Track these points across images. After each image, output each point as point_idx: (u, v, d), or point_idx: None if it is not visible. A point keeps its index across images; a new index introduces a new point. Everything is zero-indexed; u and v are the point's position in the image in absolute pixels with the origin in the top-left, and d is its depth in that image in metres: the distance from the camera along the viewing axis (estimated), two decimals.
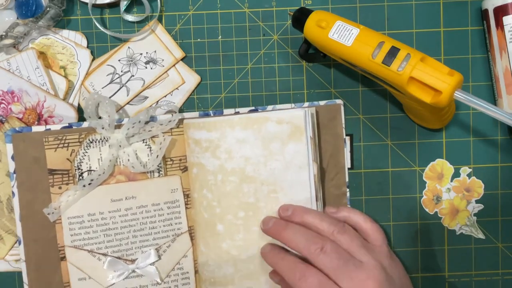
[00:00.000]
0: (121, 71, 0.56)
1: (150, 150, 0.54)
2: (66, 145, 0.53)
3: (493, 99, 0.55)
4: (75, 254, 0.53)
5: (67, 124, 0.53)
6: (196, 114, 0.54)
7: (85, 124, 0.53)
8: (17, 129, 0.52)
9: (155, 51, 0.56)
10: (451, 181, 0.56)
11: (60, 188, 0.53)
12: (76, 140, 0.53)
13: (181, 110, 0.56)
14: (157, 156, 0.52)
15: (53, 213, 0.52)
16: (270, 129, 0.52)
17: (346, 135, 0.56)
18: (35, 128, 0.52)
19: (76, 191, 0.52)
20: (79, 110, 0.55)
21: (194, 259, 0.55)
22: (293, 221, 0.49)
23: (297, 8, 0.53)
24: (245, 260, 0.53)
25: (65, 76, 0.55)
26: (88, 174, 0.53)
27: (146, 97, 0.56)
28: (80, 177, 0.53)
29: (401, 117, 0.56)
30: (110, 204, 0.53)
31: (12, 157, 0.52)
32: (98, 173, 0.52)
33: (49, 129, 0.53)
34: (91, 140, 0.53)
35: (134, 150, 0.53)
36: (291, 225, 0.48)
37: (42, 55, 0.55)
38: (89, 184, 0.52)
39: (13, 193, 0.52)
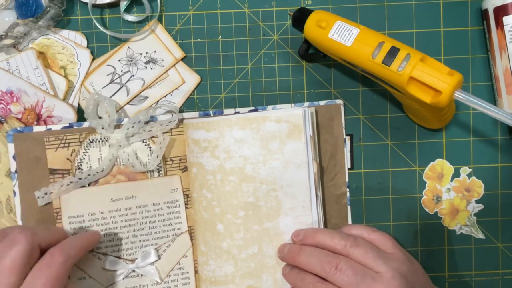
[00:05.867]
0: (121, 71, 0.56)
1: (150, 150, 0.54)
2: (66, 145, 0.53)
3: (493, 99, 0.55)
4: None
5: (68, 124, 0.53)
6: (196, 114, 0.54)
7: (85, 124, 0.53)
8: (18, 129, 0.52)
9: (155, 51, 0.56)
10: (451, 181, 0.56)
11: None
12: (77, 140, 0.53)
13: (181, 110, 0.56)
14: (157, 156, 0.52)
15: (43, 197, 0.52)
16: (268, 128, 0.52)
17: (346, 135, 0.56)
18: (36, 128, 0.52)
19: (71, 182, 0.52)
20: (79, 110, 0.55)
21: (194, 259, 0.55)
22: (307, 244, 0.49)
23: (297, 8, 0.53)
24: (246, 259, 0.53)
25: (65, 76, 0.55)
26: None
27: (146, 97, 0.56)
28: None
29: (401, 117, 0.56)
30: (110, 203, 0.53)
31: (14, 157, 0.52)
32: (96, 170, 0.53)
33: (50, 129, 0.53)
34: (91, 140, 0.53)
35: (134, 150, 0.53)
36: (303, 249, 0.49)
37: (41, 55, 0.55)
38: (85, 178, 0.52)
39: (14, 192, 0.52)
